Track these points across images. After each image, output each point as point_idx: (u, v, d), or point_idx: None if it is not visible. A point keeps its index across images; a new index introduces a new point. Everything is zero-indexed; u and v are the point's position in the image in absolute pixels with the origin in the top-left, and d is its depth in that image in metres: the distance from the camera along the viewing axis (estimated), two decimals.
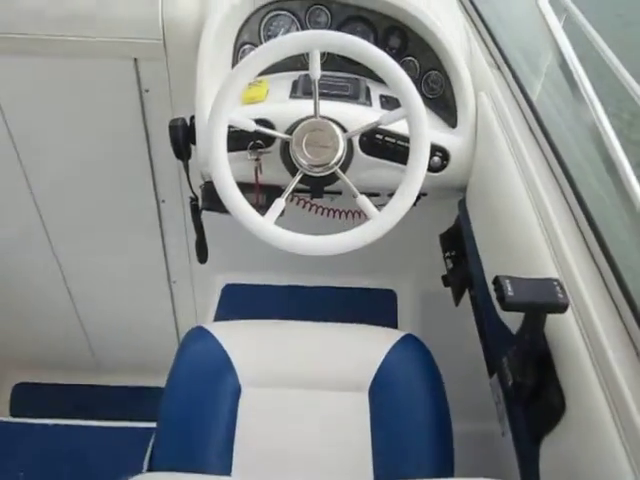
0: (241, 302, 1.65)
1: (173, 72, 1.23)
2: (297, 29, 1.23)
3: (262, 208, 1.16)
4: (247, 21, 1.20)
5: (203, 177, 1.22)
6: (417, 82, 1.22)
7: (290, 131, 1.02)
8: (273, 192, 1.18)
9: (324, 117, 1.01)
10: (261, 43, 1.22)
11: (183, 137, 1.10)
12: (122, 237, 1.55)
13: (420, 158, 0.92)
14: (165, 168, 1.40)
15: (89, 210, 1.48)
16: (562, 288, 0.69)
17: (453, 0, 1.29)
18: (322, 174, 0.96)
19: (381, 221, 0.92)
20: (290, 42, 0.92)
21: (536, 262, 0.85)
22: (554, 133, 1.03)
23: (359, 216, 1.29)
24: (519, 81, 1.13)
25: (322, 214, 1.30)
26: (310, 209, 1.29)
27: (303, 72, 1.24)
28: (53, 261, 1.57)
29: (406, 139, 1.08)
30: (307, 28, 1.23)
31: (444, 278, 1.28)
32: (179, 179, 1.42)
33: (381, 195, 1.24)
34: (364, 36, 1.23)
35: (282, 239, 0.91)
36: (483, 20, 1.29)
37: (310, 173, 0.96)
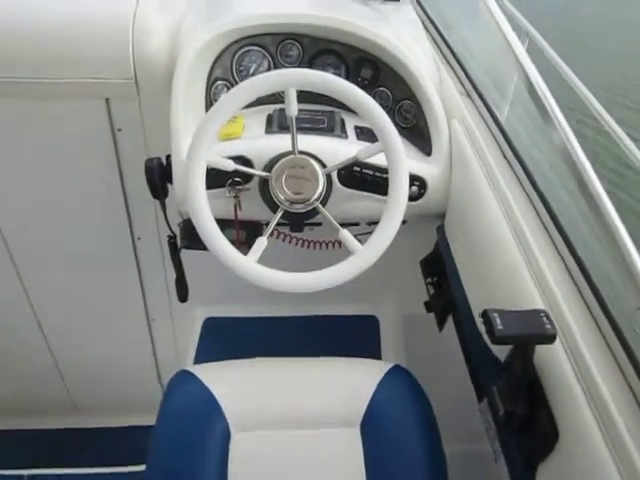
0: (223, 336, 1.63)
1: (146, 111, 1.23)
2: (269, 64, 1.24)
3: (242, 244, 1.16)
4: (219, 57, 1.20)
5: (181, 215, 1.21)
6: (390, 112, 1.24)
7: (269, 168, 1.02)
8: (253, 228, 1.17)
9: (302, 152, 1.02)
10: (234, 79, 1.22)
11: (159, 176, 1.09)
12: (97, 275, 1.51)
13: (399, 192, 0.93)
14: (140, 206, 1.39)
15: (62, 249, 1.45)
16: (549, 318, 0.70)
17: (422, 31, 1.32)
18: (303, 210, 0.96)
19: (364, 256, 0.92)
20: (264, 82, 0.92)
21: (519, 287, 0.87)
22: (526, 157, 1.05)
23: (339, 246, 1.29)
24: (489, 107, 1.16)
25: (303, 246, 1.29)
26: (290, 242, 1.28)
27: (278, 106, 1.25)
28: (24, 299, 1.53)
29: (384, 170, 1.10)
30: (279, 62, 1.24)
31: (427, 304, 1.29)
32: (155, 216, 1.40)
33: (361, 224, 1.25)
34: (335, 68, 1.26)
35: (265, 278, 0.91)
36: (451, 49, 1.32)
37: (291, 209, 0.95)
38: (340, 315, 1.67)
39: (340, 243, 1.27)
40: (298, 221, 1.09)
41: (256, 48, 1.22)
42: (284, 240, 1.28)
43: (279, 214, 0.96)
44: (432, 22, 1.42)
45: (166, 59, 1.19)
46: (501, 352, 0.91)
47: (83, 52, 1.15)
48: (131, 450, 1.85)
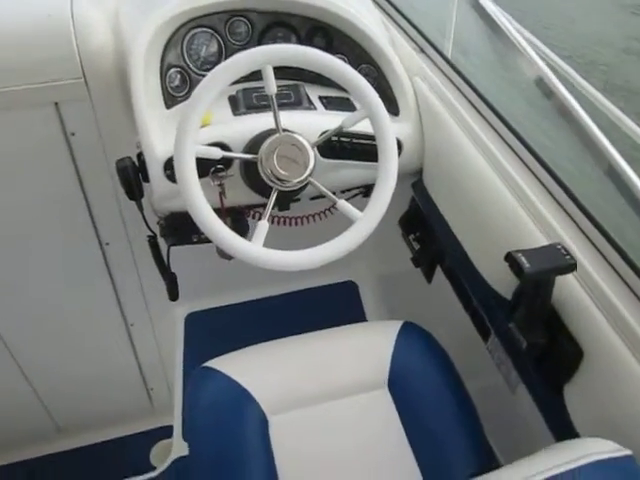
0: (208, 329, 1.61)
1: (99, 110, 1.16)
2: (218, 44, 1.20)
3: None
4: (168, 43, 1.15)
5: (156, 213, 1.17)
6: None
7: (252, 150, 1.01)
8: (236, 214, 1.16)
9: (284, 130, 1.01)
10: (186, 64, 1.18)
11: (134, 176, 1.05)
12: (67, 288, 1.44)
13: (390, 157, 0.94)
14: (104, 210, 1.32)
15: (25, 265, 1.36)
16: (566, 250, 0.75)
17: None
18: (297, 187, 0.95)
19: (366, 223, 0.94)
20: (241, 62, 0.89)
21: (517, 228, 0.92)
22: (494, 100, 1.10)
23: (325, 215, 1.29)
24: (447, 59, 1.19)
25: (293, 224, 1.29)
26: (279, 222, 1.27)
27: (237, 86, 1.22)
28: None
29: (361, 136, 1.11)
30: (228, 41, 1.21)
31: (414, 260, 1.33)
32: (121, 219, 1.34)
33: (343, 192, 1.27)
34: (287, 40, 1.24)
35: (274, 260, 0.90)
36: (397, 9, 1.33)
37: (285, 188, 0.95)
38: (319, 286, 1.69)
39: (324, 213, 1.29)
40: (285, 200, 1.09)
41: (204, 29, 1.18)
42: (273, 222, 1.27)
43: (274, 195, 0.95)
44: None
45: (113, 53, 1.13)
46: (506, 290, 0.96)
47: (22, 56, 1.07)
48: (127, 462, 1.81)
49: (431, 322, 1.27)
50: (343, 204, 0.95)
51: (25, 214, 1.27)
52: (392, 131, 0.95)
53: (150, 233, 1.18)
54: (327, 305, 1.66)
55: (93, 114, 1.16)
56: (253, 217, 1.23)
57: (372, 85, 1.22)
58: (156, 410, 1.86)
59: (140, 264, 1.45)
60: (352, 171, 1.14)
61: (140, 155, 1.05)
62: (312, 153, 0.94)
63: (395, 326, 1.06)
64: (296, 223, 1.28)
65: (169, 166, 1.02)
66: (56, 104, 1.13)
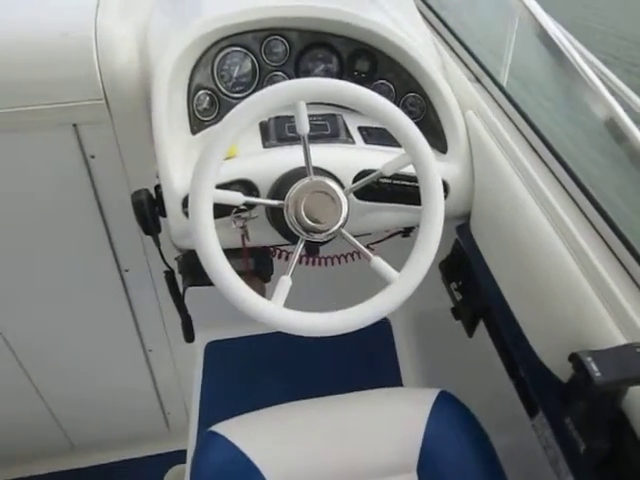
0: (227, 359, 1.52)
1: (121, 133, 1.08)
2: (252, 64, 1.10)
3: (253, 275, 1.04)
4: (197, 64, 1.05)
5: (176, 247, 1.08)
6: None
7: (278, 192, 0.90)
8: (260, 254, 1.06)
9: (316, 169, 0.90)
10: (216, 86, 1.08)
11: (150, 211, 0.96)
12: (84, 311, 1.38)
13: (435, 212, 0.83)
14: (125, 236, 1.25)
15: (42, 286, 1.30)
16: None
17: (416, 13, 1.19)
18: (326, 239, 0.84)
19: (404, 283, 0.82)
20: (270, 98, 0.79)
21: (568, 287, 0.78)
22: (555, 140, 0.96)
23: (352, 258, 1.18)
24: (506, 92, 1.05)
25: (314, 264, 1.18)
26: (301, 262, 1.17)
27: None
28: (2, 343, 1.38)
29: (403, 177, 0.99)
30: (263, 62, 1.10)
31: (454, 311, 1.20)
32: (142, 246, 1.26)
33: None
34: (327, 63, 1.13)
35: (295, 324, 0.80)
36: (452, 32, 1.19)
37: (313, 239, 0.84)
38: None
39: (353, 255, 1.18)
40: (316, 247, 0.98)
41: (237, 49, 1.08)
42: (300, 262, 1.17)
43: (300, 246, 0.84)
44: (423, 1, 1.30)
45: (138, 73, 1.04)
46: (561, 371, 0.83)
47: (41, 75, 0.99)
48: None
49: (469, 381, 1.14)
50: (378, 262, 0.84)
51: (43, 236, 1.20)
52: (439, 181, 0.83)
53: (167, 268, 1.09)
54: (356, 342, 1.54)
55: (114, 137, 1.08)
56: (279, 257, 1.13)
57: (419, 117, 1.11)
58: (172, 433, 1.79)
59: (160, 291, 1.37)
60: (390, 214, 1.02)
61: (158, 187, 0.96)
62: (346, 201, 0.83)
63: (429, 397, 0.94)
64: (325, 263, 1.17)
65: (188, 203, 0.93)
66: (75, 126, 1.05)
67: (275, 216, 0.92)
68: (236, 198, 0.81)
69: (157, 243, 1.02)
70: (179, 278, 1.11)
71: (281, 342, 1.56)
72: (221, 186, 0.92)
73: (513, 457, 0.98)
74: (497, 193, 0.98)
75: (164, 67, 0.97)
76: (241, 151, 1.00)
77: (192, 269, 1.03)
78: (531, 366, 0.91)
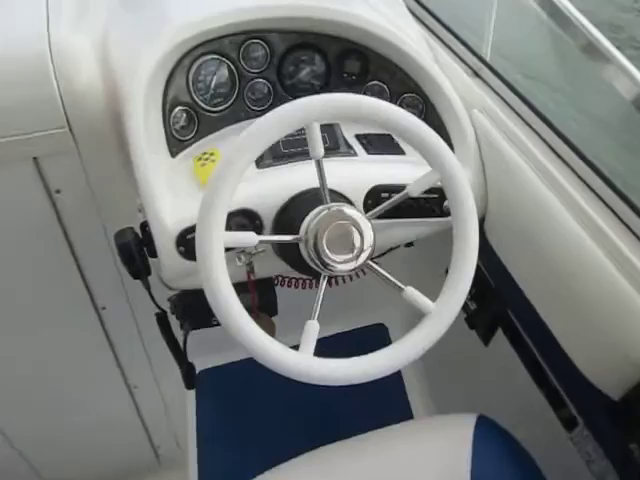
0: (224, 387, 1.41)
1: (89, 163, 0.94)
2: (230, 71, 0.98)
3: (257, 310, 0.95)
4: (171, 77, 0.93)
5: (166, 284, 0.96)
6: None
7: (287, 222, 0.81)
8: (265, 286, 0.95)
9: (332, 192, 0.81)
10: (193, 100, 0.96)
11: (138, 253, 0.84)
12: (60, 353, 1.24)
13: (471, 231, 0.75)
14: (99, 272, 1.11)
15: (11, 327, 1.16)
16: None
17: (403, 6, 1.10)
18: (351, 273, 0.75)
19: (441, 316, 0.75)
20: (278, 123, 0.68)
21: (608, 293, 0.73)
22: (569, 132, 0.90)
23: (357, 275, 1.09)
24: (509, 84, 0.98)
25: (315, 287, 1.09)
26: (304, 286, 1.07)
27: (250, 122, 1.01)
28: None
29: None
30: (242, 68, 0.99)
31: (469, 320, 1.13)
32: (120, 280, 1.13)
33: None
34: (312, 65, 1.03)
35: (336, 373, 0.71)
36: (443, 24, 1.10)
37: (337, 274, 0.74)
38: (346, 330, 1.50)
39: (358, 273, 1.09)
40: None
41: (213, 56, 0.96)
42: (299, 286, 1.07)
43: (323, 284, 0.74)
44: None
45: (102, 93, 0.91)
46: (609, 386, 0.78)
47: None
48: None
49: (490, 395, 1.09)
50: (411, 293, 0.76)
51: (11, 276, 1.06)
52: (474, 205, 0.75)
53: (158, 310, 0.97)
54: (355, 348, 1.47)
55: (82, 168, 0.94)
56: (281, 284, 1.03)
57: (419, 117, 1.03)
58: (163, 466, 1.68)
59: (142, 326, 1.25)
60: (404, 229, 0.94)
61: (145, 225, 0.84)
62: (370, 228, 0.74)
63: (467, 424, 0.87)
64: (329, 284, 1.08)
65: (183, 241, 0.82)
66: (35, 159, 0.91)
67: (286, 249, 0.82)
68: (249, 239, 0.71)
69: (147, 286, 0.90)
70: (172, 320, 1.00)
71: None
72: None
73: (551, 473, 0.94)
74: (515, 194, 0.91)
75: (137, 84, 0.84)
76: None
77: (191, 311, 0.92)
78: (568, 377, 0.86)
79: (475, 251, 0.75)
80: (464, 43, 1.05)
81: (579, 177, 0.85)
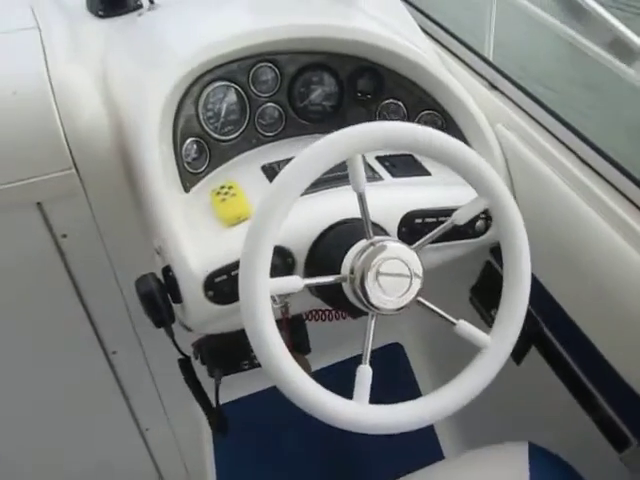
0: (242, 421, 1.34)
1: (97, 205, 0.88)
2: (239, 96, 0.93)
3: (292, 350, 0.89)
4: (180, 107, 0.87)
5: (186, 327, 0.90)
6: None
7: (321, 257, 0.76)
8: (298, 324, 0.90)
9: (357, 220, 0.76)
10: (204, 130, 0.90)
11: (163, 300, 0.77)
12: (67, 394, 1.16)
13: (522, 259, 0.71)
14: (108, 316, 1.05)
15: (18, 374, 1.09)
16: None
17: (409, 17, 1.06)
18: (401, 311, 0.70)
19: (497, 351, 0.71)
20: (317, 159, 0.63)
21: None
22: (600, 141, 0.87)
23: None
24: (531, 95, 0.94)
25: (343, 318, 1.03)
26: (333, 318, 1.02)
27: (262, 150, 0.96)
28: None
29: (447, 211, 0.86)
30: (252, 93, 0.94)
31: None
32: (131, 324, 1.07)
33: None
34: (324, 86, 0.98)
35: (393, 420, 0.66)
36: (454, 36, 1.07)
37: (386, 313, 0.70)
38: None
39: None
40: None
41: (222, 83, 0.91)
42: (326, 319, 1.02)
43: (372, 325, 0.69)
44: (415, 8, 1.16)
45: (108, 130, 0.85)
46: None
47: None
48: None
49: (522, 420, 1.05)
50: (464, 326, 0.71)
51: (17, 324, 0.99)
52: (525, 233, 0.71)
53: (181, 356, 0.91)
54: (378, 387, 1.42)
55: (89, 210, 0.88)
56: (309, 319, 0.98)
57: None
58: None
59: (154, 367, 1.18)
60: (435, 254, 0.90)
61: (168, 270, 0.78)
62: (418, 261, 0.69)
63: (520, 455, 0.82)
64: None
65: (211, 285, 0.76)
66: (39, 204, 0.84)
67: (326, 288, 0.76)
68: (295, 284, 0.65)
69: (170, 334, 0.84)
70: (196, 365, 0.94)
71: None
72: None
73: None
74: (550, 210, 0.88)
75: (150, 117, 0.79)
76: (255, 207, 0.83)
77: (222, 356, 0.87)
78: (617, 394, 0.83)
79: (528, 280, 0.72)
80: (478, 54, 1.02)
81: (617, 189, 0.82)
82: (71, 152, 0.81)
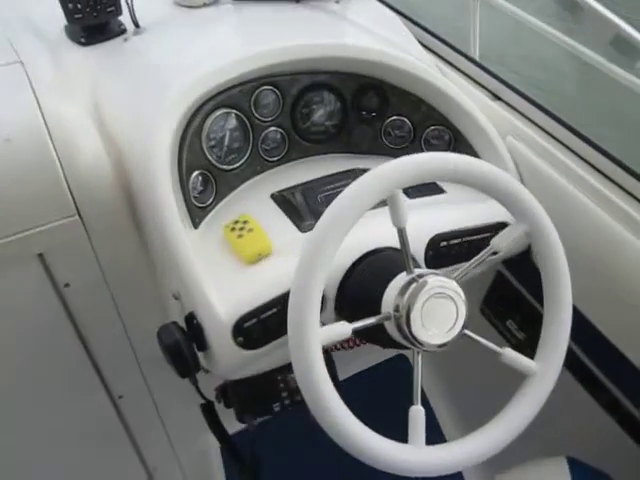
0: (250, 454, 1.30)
1: (102, 249, 0.82)
2: (240, 122, 0.89)
3: None
4: (183, 139, 0.82)
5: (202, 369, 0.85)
6: (414, 144, 0.97)
7: (353, 293, 0.73)
8: (328, 358, 0.87)
9: (386, 249, 0.74)
10: (208, 161, 0.86)
11: (189, 350, 0.73)
12: (73, 446, 1.10)
13: (563, 284, 0.70)
14: (114, 362, 0.99)
15: (26, 425, 1.02)
16: None
17: (406, 31, 1.04)
18: (446, 345, 0.68)
19: (545, 378, 0.69)
20: (360, 198, 0.60)
21: None
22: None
23: None
24: (535, 103, 0.94)
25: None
26: (352, 346, 0.99)
27: (268, 174, 0.93)
28: None
29: (470, 231, 0.85)
30: (254, 118, 0.90)
31: (518, 348, 1.08)
32: (138, 367, 1.01)
33: None
34: (327, 105, 0.95)
35: (452, 460, 0.64)
36: (454, 48, 1.05)
37: (431, 350, 0.67)
38: (370, 367, 1.43)
39: None
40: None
41: (225, 110, 0.86)
42: (351, 347, 0.99)
43: (419, 361, 0.67)
44: (407, 17, 1.14)
45: (111, 170, 0.79)
46: None
47: None
48: None
49: (551, 434, 1.04)
50: (510, 354, 0.70)
51: (18, 374, 0.92)
52: (564, 257, 0.70)
53: (203, 401, 0.86)
54: (380, 388, 1.41)
55: (94, 256, 0.82)
56: (337, 348, 0.95)
57: (447, 150, 0.97)
58: None
59: (164, 412, 1.13)
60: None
61: (192, 318, 0.74)
62: (461, 292, 0.67)
63: (562, 470, 0.82)
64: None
65: (241, 331, 0.72)
66: (40, 255, 0.78)
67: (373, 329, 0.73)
68: (344, 330, 0.62)
69: (194, 381, 0.79)
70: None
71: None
72: (279, 300, 0.73)
73: None
74: (570, 223, 0.87)
75: (158, 156, 0.74)
76: (276, 241, 0.79)
77: (251, 401, 0.83)
78: None
79: (570, 305, 0.70)
80: (480, 65, 1.00)
81: (637, 199, 0.82)
82: (73, 197, 0.75)
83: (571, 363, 1.02)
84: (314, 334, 0.58)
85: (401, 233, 0.65)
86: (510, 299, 1.06)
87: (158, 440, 1.20)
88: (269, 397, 0.84)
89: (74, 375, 0.97)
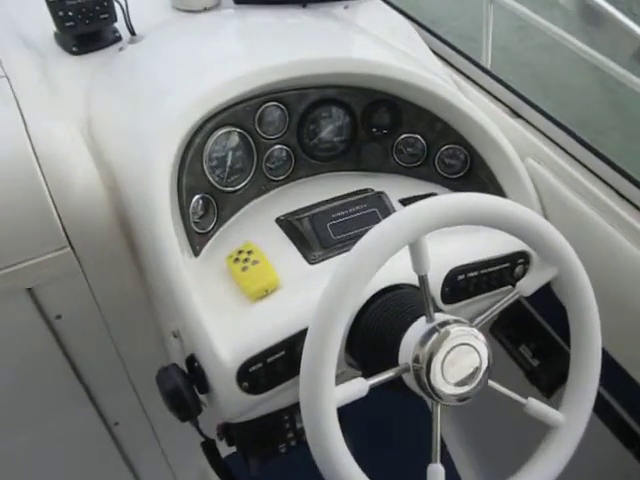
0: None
1: (95, 281, 0.77)
2: (244, 141, 0.83)
3: None
4: (183, 160, 0.76)
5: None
6: (428, 163, 0.91)
7: (364, 336, 0.68)
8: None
9: (402, 286, 0.69)
10: (210, 184, 0.80)
11: (189, 393, 0.68)
12: (72, 470, 1.06)
13: (593, 330, 0.65)
14: (109, 392, 0.94)
15: (21, 457, 0.98)
16: None
17: (425, 45, 0.97)
18: (470, 396, 0.63)
19: (572, 430, 0.65)
20: (382, 247, 0.55)
21: None
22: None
23: None
24: (558, 122, 0.88)
25: None
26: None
27: (273, 193, 0.87)
28: None
29: (487, 263, 0.80)
30: (258, 136, 0.84)
31: (531, 376, 1.04)
32: (134, 393, 0.96)
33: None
34: (335, 121, 0.89)
35: None
36: (472, 60, 0.98)
37: (451, 404, 0.62)
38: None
39: None
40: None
41: (228, 129, 0.80)
42: None
43: (438, 415, 0.62)
44: (418, 22, 1.07)
45: (105, 196, 0.73)
46: None
47: None
48: None
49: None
50: (534, 405, 0.65)
51: (11, 407, 0.87)
52: (595, 302, 0.65)
53: (204, 439, 0.81)
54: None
55: (87, 288, 0.77)
56: None
57: (459, 172, 0.91)
58: None
59: (162, 436, 1.08)
60: (475, 306, 0.83)
61: (192, 360, 0.68)
62: (485, 342, 0.62)
63: None
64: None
65: (245, 376, 0.67)
66: (30, 290, 0.73)
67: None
68: (361, 388, 0.57)
69: (196, 424, 0.74)
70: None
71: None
72: (286, 343, 0.68)
73: None
74: (591, 250, 0.82)
75: (157, 179, 0.68)
76: (283, 274, 0.74)
77: (256, 443, 0.78)
78: None
79: (599, 352, 0.66)
80: (498, 80, 0.94)
81: None
82: (64, 229, 0.70)
83: (597, 406, 0.98)
84: (330, 398, 0.53)
85: (422, 280, 0.60)
86: (524, 323, 1.02)
87: (156, 465, 1.15)
88: (275, 438, 0.79)
89: (68, 404, 0.92)
